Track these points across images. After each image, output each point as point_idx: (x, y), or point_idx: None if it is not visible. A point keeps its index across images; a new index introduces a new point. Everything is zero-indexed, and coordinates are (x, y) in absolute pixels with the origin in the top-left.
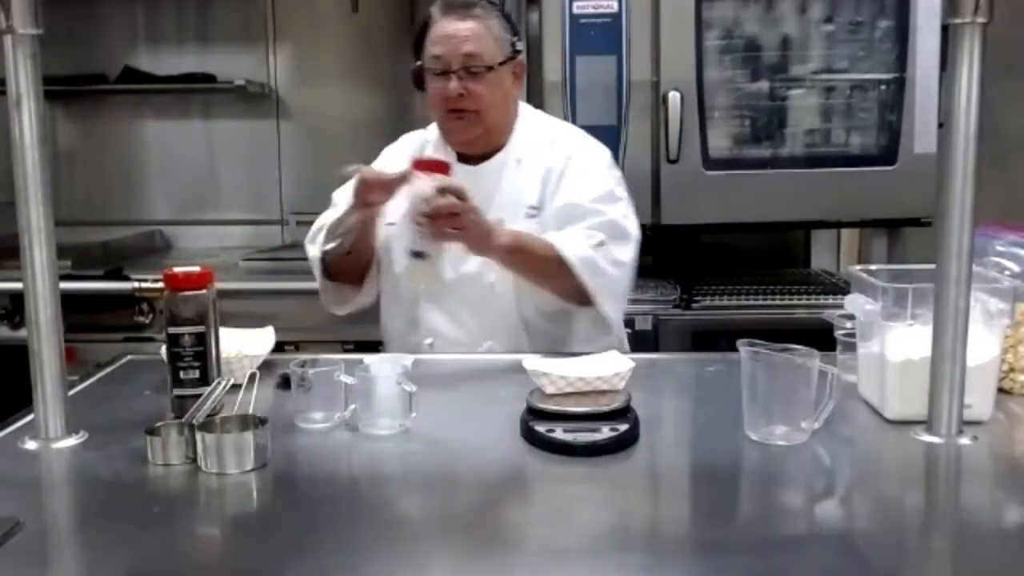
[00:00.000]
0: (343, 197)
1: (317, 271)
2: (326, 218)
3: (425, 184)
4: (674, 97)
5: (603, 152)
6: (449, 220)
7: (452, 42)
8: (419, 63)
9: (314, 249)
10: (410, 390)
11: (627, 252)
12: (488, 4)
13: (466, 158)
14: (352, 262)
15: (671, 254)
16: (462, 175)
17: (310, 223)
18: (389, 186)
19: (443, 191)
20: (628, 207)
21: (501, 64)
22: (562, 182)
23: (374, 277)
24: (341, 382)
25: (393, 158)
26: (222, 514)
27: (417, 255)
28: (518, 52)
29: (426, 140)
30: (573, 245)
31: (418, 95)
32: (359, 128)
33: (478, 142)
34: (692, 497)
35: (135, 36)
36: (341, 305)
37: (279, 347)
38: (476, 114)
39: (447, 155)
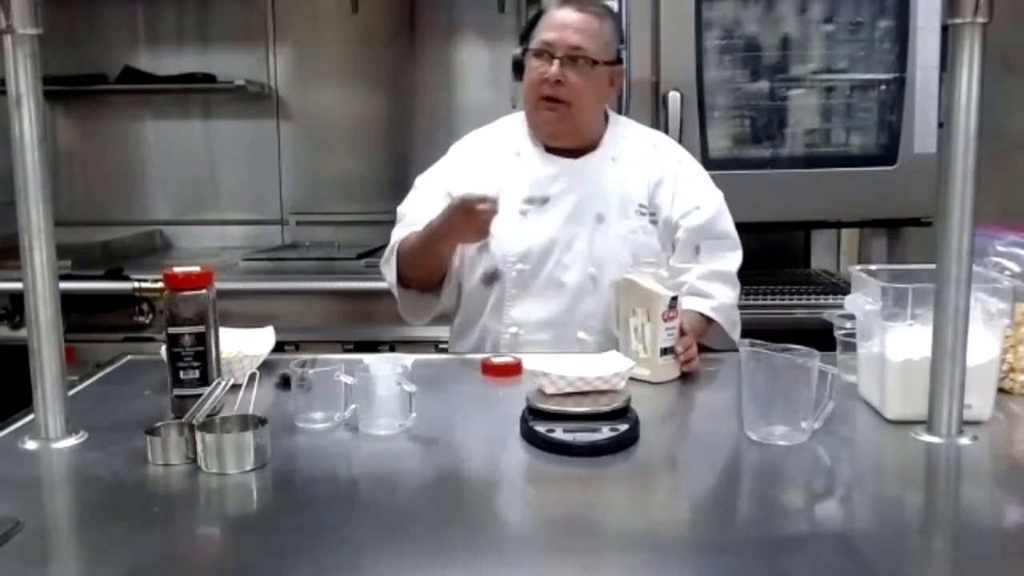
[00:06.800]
0: (416, 213)
1: (395, 289)
2: (398, 236)
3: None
4: (674, 97)
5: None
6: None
7: (564, 31)
8: (523, 48)
9: (389, 272)
10: (410, 390)
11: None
12: (605, 7)
13: (561, 152)
14: (428, 262)
15: None
16: (564, 170)
17: (310, 223)
18: (485, 234)
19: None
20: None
21: (604, 64)
22: (678, 187)
23: (454, 284)
24: (341, 382)
25: (482, 147)
26: (222, 514)
27: (666, 352)
28: (620, 60)
29: (512, 130)
30: (728, 314)
31: (422, 95)
32: (359, 128)
33: (565, 137)
34: (692, 497)
35: (135, 36)
36: (423, 314)
37: (279, 347)
38: (568, 107)
39: (535, 146)
